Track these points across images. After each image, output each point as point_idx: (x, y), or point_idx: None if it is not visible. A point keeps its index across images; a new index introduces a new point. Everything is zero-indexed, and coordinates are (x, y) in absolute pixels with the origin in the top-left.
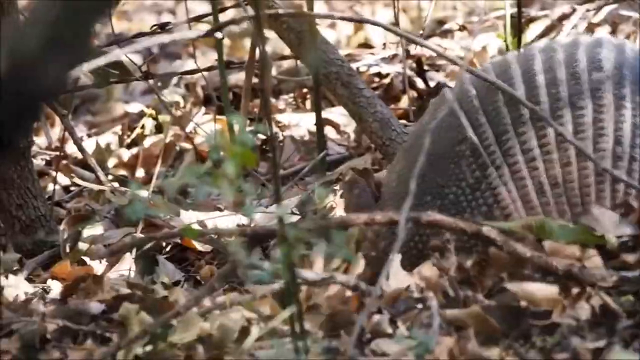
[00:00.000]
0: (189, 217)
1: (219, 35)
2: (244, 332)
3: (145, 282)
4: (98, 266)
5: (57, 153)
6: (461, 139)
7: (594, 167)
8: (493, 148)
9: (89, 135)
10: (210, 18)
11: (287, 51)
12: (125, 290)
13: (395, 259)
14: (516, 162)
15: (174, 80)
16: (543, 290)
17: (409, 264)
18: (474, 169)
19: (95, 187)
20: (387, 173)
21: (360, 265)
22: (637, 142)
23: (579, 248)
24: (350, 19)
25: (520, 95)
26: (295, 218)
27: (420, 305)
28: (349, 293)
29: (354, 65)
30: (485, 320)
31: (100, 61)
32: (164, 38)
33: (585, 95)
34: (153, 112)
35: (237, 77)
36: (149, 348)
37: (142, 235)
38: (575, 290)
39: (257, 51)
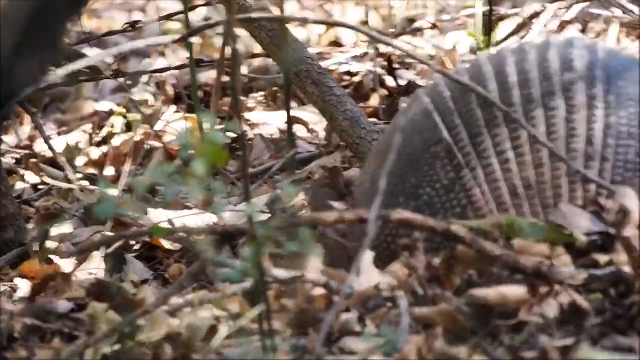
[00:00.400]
0: (158, 216)
1: (193, 40)
2: (213, 330)
3: (113, 280)
4: (66, 265)
5: (27, 151)
6: (436, 141)
7: (566, 168)
8: (468, 149)
9: (59, 134)
10: (182, 16)
11: (257, 49)
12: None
13: (367, 257)
14: (490, 164)
15: (144, 78)
16: (512, 292)
17: (379, 263)
18: (448, 170)
19: (65, 185)
20: (360, 174)
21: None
22: (609, 143)
23: (548, 247)
24: (321, 22)
25: (493, 98)
26: (264, 216)
27: (390, 304)
28: (318, 291)
29: (324, 64)
30: (454, 318)
31: (79, 65)
32: (139, 43)
33: (557, 95)
34: (123, 110)
35: (207, 76)
36: (116, 347)
37: (111, 234)
38: (543, 289)
39: (228, 49)
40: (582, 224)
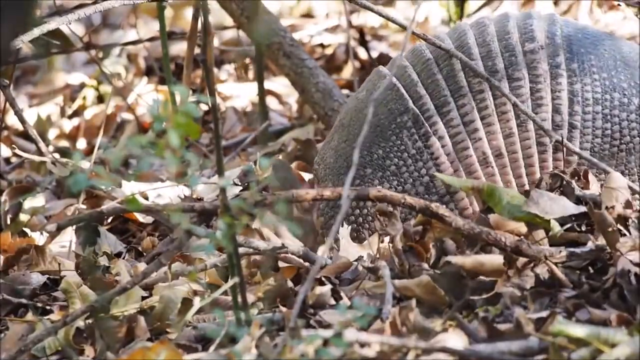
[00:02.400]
0: (131, 188)
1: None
2: (186, 304)
3: (87, 253)
4: (39, 237)
5: None
6: (402, 111)
7: (535, 137)
8: (435, 119)
9: (30, 106)
10: None
11: (229, 21)
12: (67, 262)
13: (344, 231)
14: (459, 133)
15: (116, 50)
16: (489, 260)
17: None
18: (415, 139)
19: (37, 158)
20: (322, 148)
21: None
22: (576, 110)
23: (524, 225)
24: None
25: (476, 65)
26: (237, 189)
27: (371, 276)
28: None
29: (296, 36)
30: (432, 289)
31: (40, 30)
32: (107, 4)
33: (521, 66)
34: (94, 82)
35: (179, 48)
36: (90, 321)
37: (87, 209)
38: (521, 261)
39: (199, 21)
40: (555, 209)
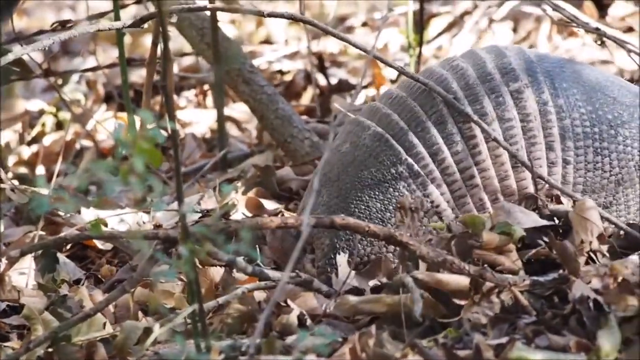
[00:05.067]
0: (91, 215)
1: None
2: (147, 332)
3: (45, 280)
4: None
5: None
6: (395, 161)
7: (530, 177)
8: (430, 167)
9: None
10: (112, 15)
11: (188, 48)
12: (27, 290)
13: (342, 258)
14: (455, 180)
15: (75, 77)
16: (455, 281)
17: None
18: (413, 189)
19: None
20: (307, 203)
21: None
22: (568, 145)
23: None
24: (278, 15)
25: (468, 111)
26: (197, 216)
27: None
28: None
29: (255, 62)
30: (395, 309)
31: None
32: (67, 34)
33: (510, 106)
34: (54, 109)
35: (138, 74)
36: (51, 349)
37: (47, 236)
38: (487, 285)
39: (159, 48)
40: (526, 221)
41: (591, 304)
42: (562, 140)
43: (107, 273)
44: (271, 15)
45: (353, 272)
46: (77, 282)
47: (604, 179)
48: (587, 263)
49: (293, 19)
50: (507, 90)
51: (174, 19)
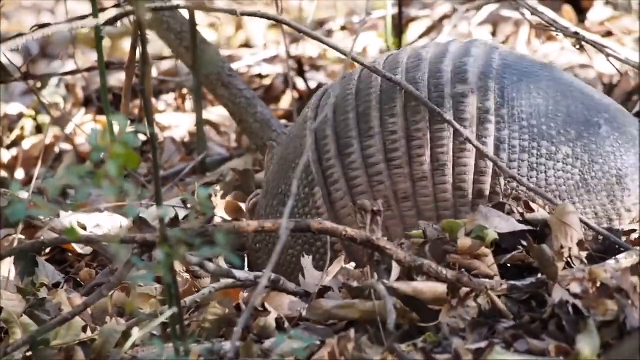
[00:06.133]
0: (69, 219)
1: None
2: (126, 335)
3: (25, 284)
4: None
5: None
6: (301, 151)
7: (452, 182)
8: (332, 162)
9: None
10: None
11: (167, 51)
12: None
13: (307, 261)
14: (358, 176)
15: (54, 81)
16: (431, 289)
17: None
18: (305, 184)
19: None
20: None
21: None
22: (502, 157)
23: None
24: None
25: (423, 98)
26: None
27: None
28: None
29: (234, 66)
30: (370, 315)
31: None
32: (43, 32)
33: (447, 108)
34: (33, 113)
35: (117, 78)
36: (29, 353)
37: (26, 240)
38: (464, 290)
39: (137, 51)
40: (503, 226)
41: (570, 309)
42: (496, 150)
43: (87, 276)
44: (244, 14)
45: (320, 274)
46: (57, 285)
47: (536, 193)
48: (564, 268)
49: (267, 17)
50: (450, 92)
51: (148, 17)
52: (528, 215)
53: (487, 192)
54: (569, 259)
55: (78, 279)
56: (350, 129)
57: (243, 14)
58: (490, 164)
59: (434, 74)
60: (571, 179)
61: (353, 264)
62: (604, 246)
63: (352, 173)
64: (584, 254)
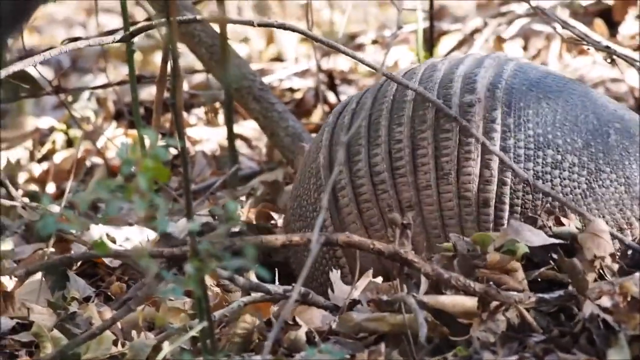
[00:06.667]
0: (99, 232)
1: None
2: (156, 349)
3: (55, 298)
4: (8, 282)
5: None
6: (315, 157)
7: (455, 190)
8: (340, 168)
9: None
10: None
11: (198, 65)
12: (37, 307)
13: (335, 275)
14: (363, 184)
15: (85, 94)
16: (460, 303)
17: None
18: (314, 189)
19: (6, 202)
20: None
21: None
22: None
23: (515, 262)
24: (271, 25)
25: (440, 104)
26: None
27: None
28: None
29: (266, 80)
30: (400, 329)
31: (6, 71)
32: (74, 45)
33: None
34: (64, 126)
35: (148, 92)
36: None
37: (57, 254)
38: (493, 304)
39: (169, 65)
40: (535, 240)
41: (601, 323)
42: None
43: (118, 290)
44: (261, 24)
45: (349, 288)
46: (87, 299)
47: (544, 204)
48: (595, 280)
49: (283, 28)
50: (458, 101)
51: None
52: (557, 229)
53: (493, 202)
54: (600, 271)
55: (109, 293)
56: (361, 137)
57: (260, 25)
58: (495, 173)
59: (445, 84)
60: (578, 188)
61: (380, 278)
62: (632, 260)
63: (358, 180)
64: (615, 266)
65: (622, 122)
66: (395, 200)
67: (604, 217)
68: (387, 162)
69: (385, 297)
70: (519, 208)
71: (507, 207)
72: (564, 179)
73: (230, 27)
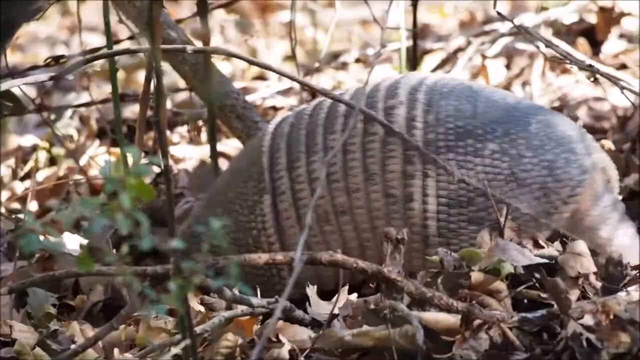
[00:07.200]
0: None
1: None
2: None
3: (21, 315)
4: None
5: None
6: (255, 161)
7: (383, 190)
8: (282, 173)
9: None
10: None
11: (181, 83)
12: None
13: (312, 290)
14: (303, 190)
15: (68, 113)
16: (443, 320)
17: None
18: (255, 191)
19: None
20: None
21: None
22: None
23: (500, 282)
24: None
25: (374, 114)
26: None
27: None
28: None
29: (249, 98)
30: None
31: None
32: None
33: (379, 115)
34: (47, 145)
35: (131, 110)
36: None
37: (39, 274)
38: (476, 322)
39: (152, 83)
40: (521, 259)
41: (584, 341)
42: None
43: (80, 302)
44: (196, 51)
45: (325, 303)
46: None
47: (470, 192)
48: (578, 298)
49: (221, 53)
50: (382, 106)
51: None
52: (537, 252)
53: (417, 196)
54: (583, 289)
55: (72, 304)
56: (300, 144)
57: (195, 52)
58: (419, 168)
59: (371, 93)
60: (500, 174)
61: (355, 295)
62: (607, 273)
63: (297, 186)
64: (599, 284)
65: (544, 115)
66: (330, 205)
67: (529, 202)
68: (324, 168)
69: (372, 306)
70: (445, 199)
71: (434, 199)
72: (486, 165)
73: (213, 44)
